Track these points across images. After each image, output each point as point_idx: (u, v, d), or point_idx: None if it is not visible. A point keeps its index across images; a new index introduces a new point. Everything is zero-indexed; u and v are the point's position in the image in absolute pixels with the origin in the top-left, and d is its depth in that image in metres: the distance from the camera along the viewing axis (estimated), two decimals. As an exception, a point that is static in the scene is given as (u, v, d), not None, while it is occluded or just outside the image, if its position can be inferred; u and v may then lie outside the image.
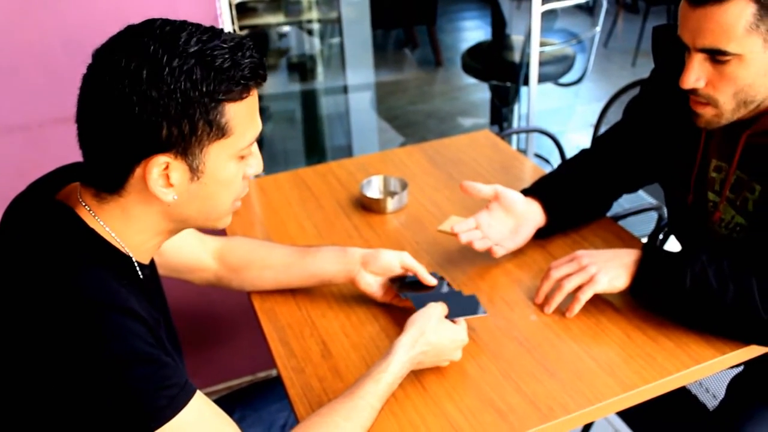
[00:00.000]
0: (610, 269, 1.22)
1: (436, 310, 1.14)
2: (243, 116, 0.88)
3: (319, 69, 2.89)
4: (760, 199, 1.23)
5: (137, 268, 0.94)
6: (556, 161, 1.88)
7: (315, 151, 3.03)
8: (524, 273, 1.37)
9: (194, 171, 0.87)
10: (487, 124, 3.92)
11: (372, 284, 1.29)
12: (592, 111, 4.30)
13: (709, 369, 1.13)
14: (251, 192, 1.72)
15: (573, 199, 1.48)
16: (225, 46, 0.84)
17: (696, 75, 1.13)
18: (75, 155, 0.93)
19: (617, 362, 1.13)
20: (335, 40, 2.79)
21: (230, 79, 0.84)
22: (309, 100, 2.96)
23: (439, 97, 4.60)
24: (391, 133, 3.84)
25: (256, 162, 0.95)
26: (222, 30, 0.87)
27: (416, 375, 1.12)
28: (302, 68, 3.00)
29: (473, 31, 5.73)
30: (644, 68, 4.72)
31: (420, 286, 1.26)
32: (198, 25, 0.85)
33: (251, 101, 0.89)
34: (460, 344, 1.13)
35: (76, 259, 0.85)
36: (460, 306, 1.20)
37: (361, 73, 2.80)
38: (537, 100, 2.53)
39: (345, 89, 2.83)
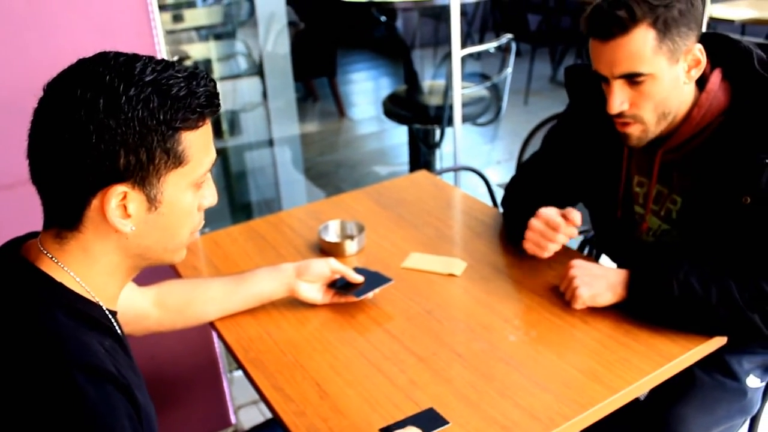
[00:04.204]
0: (595, 287, 1.33)
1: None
2: (199, 144, 0.88)
3: (243, 123, 2.91)
4: (683, 209, 1.38)
5: (110, 318, 0.93)
6: (481, 197, 2.01)
7: (241, 207, 3.02)
8: (492, 298, 1.44)
9: (152, 201, 0.87)
10: (403, 168, 4.04)
11: (310, 290, 1.42)
12: (495, 149, 4.53)
13: (679, 365, 1.24)
14: (207, 247, 1.71)
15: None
16: (180, 75, 0.85)
17: (620, 99, 1.29)
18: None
19: (598, 369, 1.22)
20: (258, 94, 2.83)
21: (187, 108, 0.84)
22: (233, 155, 2.97)
23: (346, 146, 4.71)
24: (307, 184, 3.89)
25: (210, 192, 0.96)
26: (174, 61, 0.88)
27: (418, 403, 1.16)
28: (221, 124, 3.01)
29: (365, 82, 5.92)
30: (536, 106, 5.05)
31: (351, 284, 1.44)
32: (151, 57, 0.86)
33: (206, 129, 0.90)
34: None
35: (45, 317, 0.82)
36: (375, 282, 1.44)
37: (285, 125, 2.85)
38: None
39: (270, 143, 2.86)
